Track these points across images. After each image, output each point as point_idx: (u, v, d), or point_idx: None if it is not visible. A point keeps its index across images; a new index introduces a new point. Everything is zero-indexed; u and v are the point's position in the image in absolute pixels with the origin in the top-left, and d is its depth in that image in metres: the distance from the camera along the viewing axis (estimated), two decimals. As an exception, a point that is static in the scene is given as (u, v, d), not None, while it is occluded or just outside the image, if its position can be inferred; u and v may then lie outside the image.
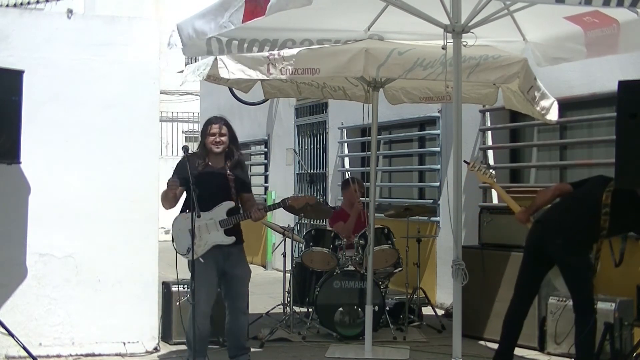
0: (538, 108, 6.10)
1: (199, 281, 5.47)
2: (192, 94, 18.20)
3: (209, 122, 5.73)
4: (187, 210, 5.50)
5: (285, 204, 5.79)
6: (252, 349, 6.56)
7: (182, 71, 6.52)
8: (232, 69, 5.83)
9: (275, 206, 5.93)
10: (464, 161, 6.70)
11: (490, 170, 6.25)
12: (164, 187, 5.65)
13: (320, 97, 8.11)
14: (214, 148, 5.65)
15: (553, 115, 6.32)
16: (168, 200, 5.61)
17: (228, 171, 5.67)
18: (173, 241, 5.60)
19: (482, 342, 6.77)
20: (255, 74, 5.85)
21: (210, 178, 5.58)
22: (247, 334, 6.87)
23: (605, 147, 6.89)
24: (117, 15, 7.50)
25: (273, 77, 5.93)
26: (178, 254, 5.54)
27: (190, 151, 5.62)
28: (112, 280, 6.47)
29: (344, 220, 7.72)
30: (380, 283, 7.36)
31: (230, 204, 5.62)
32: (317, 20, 5.74)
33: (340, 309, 7.00)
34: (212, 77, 6.26)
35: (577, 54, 5.92)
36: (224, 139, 5.65)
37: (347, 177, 8.65)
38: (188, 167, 5.40)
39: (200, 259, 5.49)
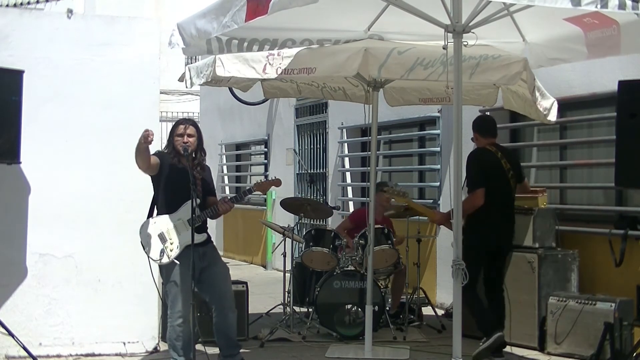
0: (540, 109, 6.10)
1: (177, 285, 5.43)
2: (192, 94, 18.16)
3: (177, 123, 5.66)
4: (154, 215, 5.57)
5: (252, 191, 5.74)
6: (252, 349, 6.57)
7: (182, 75, 6.47)
8: (228, 67, 5.80)
9: (240, 196, 5.78)
10: (382, 190, 6.98)
11: (403, 190, 6.97)
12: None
13: (320, 97, 8.09)
14: (182, 149, 5.53)
15: (553, 116, 6.32)
16: (140, 153, 5.36)
17: (195, 172, 5.57)
18: (144, 248, 5.52)
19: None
20: (250, 73, 5.82)
21: (178, 178, 5.49)
22: (248, 332, 6.91)
23: (605, 147, 6.89)
24: (117, 15, 7.49)
25: (268, 77, 5.89)
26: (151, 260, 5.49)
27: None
28: (112, 281, 6.48)
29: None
30: (380, 284, 7.36)
31: (196, 201, 5.50)
32: (318, 20, 5.73)
33: (340, 308, 7.00)
34: (212, 79, 6.24)
35: (578, 55, 5.92)
36: (192, 139, 5.57)
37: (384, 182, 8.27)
38: (190, 165, 5.43)
39: (176, 261, 5.43)
